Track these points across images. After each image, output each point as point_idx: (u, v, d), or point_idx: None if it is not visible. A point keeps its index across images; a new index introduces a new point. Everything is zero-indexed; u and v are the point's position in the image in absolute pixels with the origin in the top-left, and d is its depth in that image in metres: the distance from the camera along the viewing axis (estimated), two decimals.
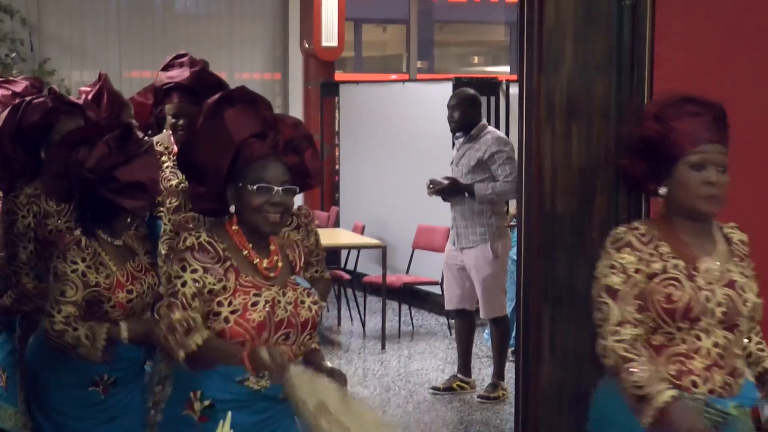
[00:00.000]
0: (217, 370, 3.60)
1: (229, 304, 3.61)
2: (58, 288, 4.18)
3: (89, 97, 5.58)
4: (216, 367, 3.60)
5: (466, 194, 8.23)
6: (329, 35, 12.82)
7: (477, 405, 8.01)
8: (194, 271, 3.60)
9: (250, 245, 3.71)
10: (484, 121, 8.52)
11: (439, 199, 8.53)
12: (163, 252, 5.09)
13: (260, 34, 13.58)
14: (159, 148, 5.49)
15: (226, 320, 3.60)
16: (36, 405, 4.42)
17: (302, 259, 3.93)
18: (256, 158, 3.69)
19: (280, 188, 3.68)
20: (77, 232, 4.34)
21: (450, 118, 8.52)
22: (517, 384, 5.59)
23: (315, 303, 3.78)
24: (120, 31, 13.09)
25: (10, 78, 6.13)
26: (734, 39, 4.45)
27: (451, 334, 10.03)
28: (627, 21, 4.62)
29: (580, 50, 4.97)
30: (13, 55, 12.07)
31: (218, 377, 3.60)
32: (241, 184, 3.68)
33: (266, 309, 3.62)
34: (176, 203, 5.08)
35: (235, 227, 3.72)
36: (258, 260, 3.71)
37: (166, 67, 5.55)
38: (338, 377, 3.75)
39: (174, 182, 5.16)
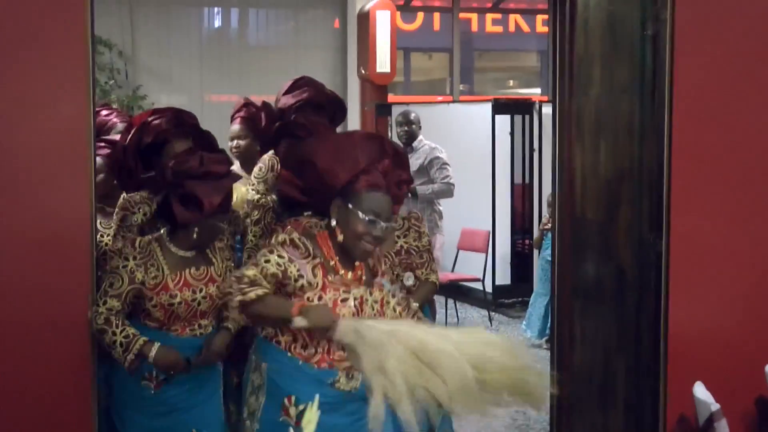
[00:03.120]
0: (307, 375, 3.43)
1: (319, 299, 3.41)
2: (108, 280, 4.06)
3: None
4: (306, 371, 3.43)
5: (409, 195, 8.53)
6: (383, 63, 12.80)
7: None
8: (280, 256, 3.42)
9: (337, 258, 3.49)
10: (421, 135, 9.21)
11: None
12: (245, 260, 4.99)
13: (322, 62, 13.61)
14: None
15: None
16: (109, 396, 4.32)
17: (383, 264, 3.69)
18: (372, 187, 3.46)
19: (385, 224, 3.45)
20: (142, 237, 4.22)
21: (399, 134, 9.25)
22: (552, 368, 5.53)
23: (399, 305, 3.56)
24: (202, 61, 13.17)
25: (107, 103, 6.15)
26: (748, 65, 4.37)
27: (491, 325, 9.96)
28: (649, 49, 4.55)
29: (607, 75, 4.91)
30: (111, 82, 12.19)
31: (308, 383, 3.43)
32: (351, 206, 3.44)
33: (355, 305, 3.43)
34: (257, 216, 4.85)
35: (324, 239, 3.51)
36: (344, 271, 3.49)
37: (289, 90, 5.21)
38: None
39: (256, 197, 4.95)
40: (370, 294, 3.50)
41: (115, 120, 5.39)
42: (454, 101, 13.76)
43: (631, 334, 4.85)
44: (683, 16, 4.39)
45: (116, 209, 4.69)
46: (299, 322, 3.34)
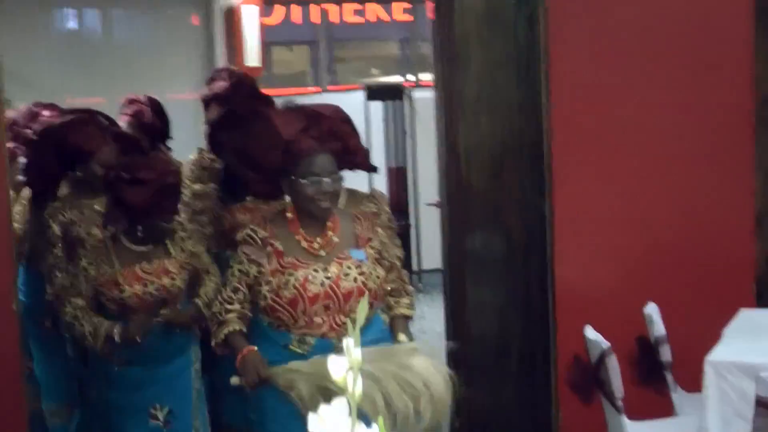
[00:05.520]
0: (268, 337, 3.68)
1: (267, 283, 3.66)
2: (69, 280, 4.30)
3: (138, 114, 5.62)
4: (267, 332, 3.69)
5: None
6: (252, 57, 12.89)
7: None
8: (240, 262, 3.71)
9: (303, 230, 3.71)
10: None
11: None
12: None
13: (189, 59, 13.61)
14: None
15: (265, 297, 3.66)
16: None
17: (371, 231, 3.85)
18: (304, 153, 3.66)
19: (328, 179, 3.66)
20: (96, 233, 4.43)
21: None
22: (447, 335, 5.87)
23: (362, 274, 3.70)
24: (63, 61, 13.02)
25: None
26: (620, 43, 4.80)
27: None
28: (524, 28, 4.95)
29: (486, 54, 5.28)
30: None
31: (268, 344, 3.66)
32: (293, 178, 3.66)
33: (296, 287, 3.62)
34: (201, 206, 4.92)
35: (290, 215, 3.74)
36: (307, 242, 3.70)
37: (209, 81, 5.40)
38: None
39: (196, 187, 4.98)
40: (325, 270, 3.68)
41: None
42: (324, 91, 13.93)
43: (522, 293, 5.25)
44: None
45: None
46: (234, 381, 3.66)
